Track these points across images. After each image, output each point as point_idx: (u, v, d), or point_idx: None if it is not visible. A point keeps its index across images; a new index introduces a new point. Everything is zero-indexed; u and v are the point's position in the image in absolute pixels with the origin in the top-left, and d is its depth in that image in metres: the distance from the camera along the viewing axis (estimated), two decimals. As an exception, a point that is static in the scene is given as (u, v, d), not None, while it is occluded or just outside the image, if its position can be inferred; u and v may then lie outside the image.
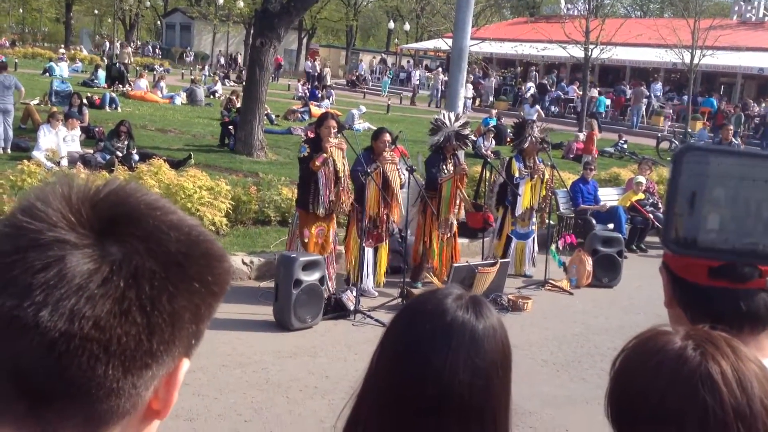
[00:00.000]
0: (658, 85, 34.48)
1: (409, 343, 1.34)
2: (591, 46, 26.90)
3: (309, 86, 34.32)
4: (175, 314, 0.76)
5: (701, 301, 1.42)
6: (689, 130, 27.20)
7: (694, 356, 1.11)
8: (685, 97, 30.31)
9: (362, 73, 48.11)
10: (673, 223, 1.33)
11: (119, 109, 21.72)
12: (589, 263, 9.72)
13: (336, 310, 7.70)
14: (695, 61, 26.89)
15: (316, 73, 42.67)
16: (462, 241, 9.94)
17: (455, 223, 9.11)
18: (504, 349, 1.36)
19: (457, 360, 1.30)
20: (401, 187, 8.58)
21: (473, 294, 1.43)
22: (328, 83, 38.00)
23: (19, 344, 0.71)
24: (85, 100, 18.66)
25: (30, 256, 0.72)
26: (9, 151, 13.69)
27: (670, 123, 30.91)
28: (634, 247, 11.98)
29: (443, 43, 29.99)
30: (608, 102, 34.16)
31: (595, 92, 34.15)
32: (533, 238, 10.06)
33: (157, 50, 58.24)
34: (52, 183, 0.78)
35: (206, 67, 45.20)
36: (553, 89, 36.36)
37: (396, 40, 63.05)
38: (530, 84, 36.81)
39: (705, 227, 1.31)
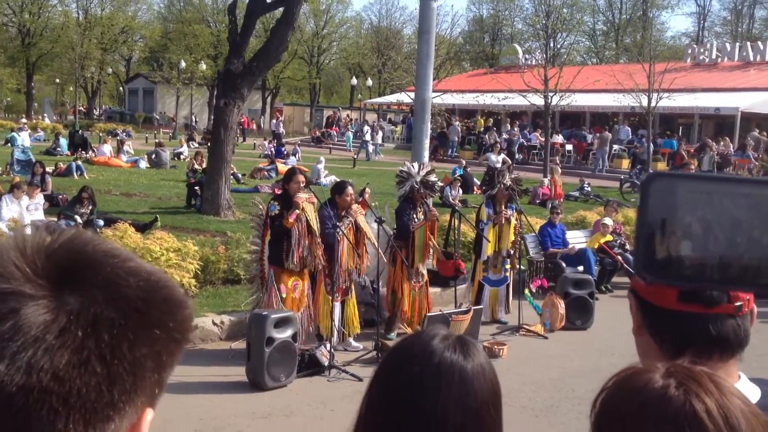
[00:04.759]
0: (625, 128, 35.03)
1: (398, 387, 1.31)
2: (550, 94, 27.40)
3: (274, 144, 34.47)
4: (137, 363, 0.74)
5: (671, 326, 1.39)
6: (651, 171, 27.60)
7: (678, 395, 1.04)
8: (644, 140, 30.86)
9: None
10: (645, 251, 1.30)
11: (85, 176, 21.59)
12: (561, 306, 9.73)
13: (310, 366, 7.59)
14: (653, 104, 27.44)
15: (281, 131, 42.65)
16: (434, 290, 9.94)
17: (425, 272, 9.16)
18: (494, 388, 1.34)
19: (448, 402, 1.28)
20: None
21: (459, 334, 1.41)
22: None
23: None
24: (49, 169, 18.53)
25: None
26: (-29, 222, 13.48)
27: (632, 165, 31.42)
28: (603, 288, 12.04)
29: (406, 96, 30.37)
30: (570, 147, 34.79)
31: (558, 138, 34.68)
32: (507, 285, 10.08)
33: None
34: (7, 237, 0.76)
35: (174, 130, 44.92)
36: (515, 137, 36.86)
37: (359, 95, 63.70)
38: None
39: (678, 254, 1.28)
